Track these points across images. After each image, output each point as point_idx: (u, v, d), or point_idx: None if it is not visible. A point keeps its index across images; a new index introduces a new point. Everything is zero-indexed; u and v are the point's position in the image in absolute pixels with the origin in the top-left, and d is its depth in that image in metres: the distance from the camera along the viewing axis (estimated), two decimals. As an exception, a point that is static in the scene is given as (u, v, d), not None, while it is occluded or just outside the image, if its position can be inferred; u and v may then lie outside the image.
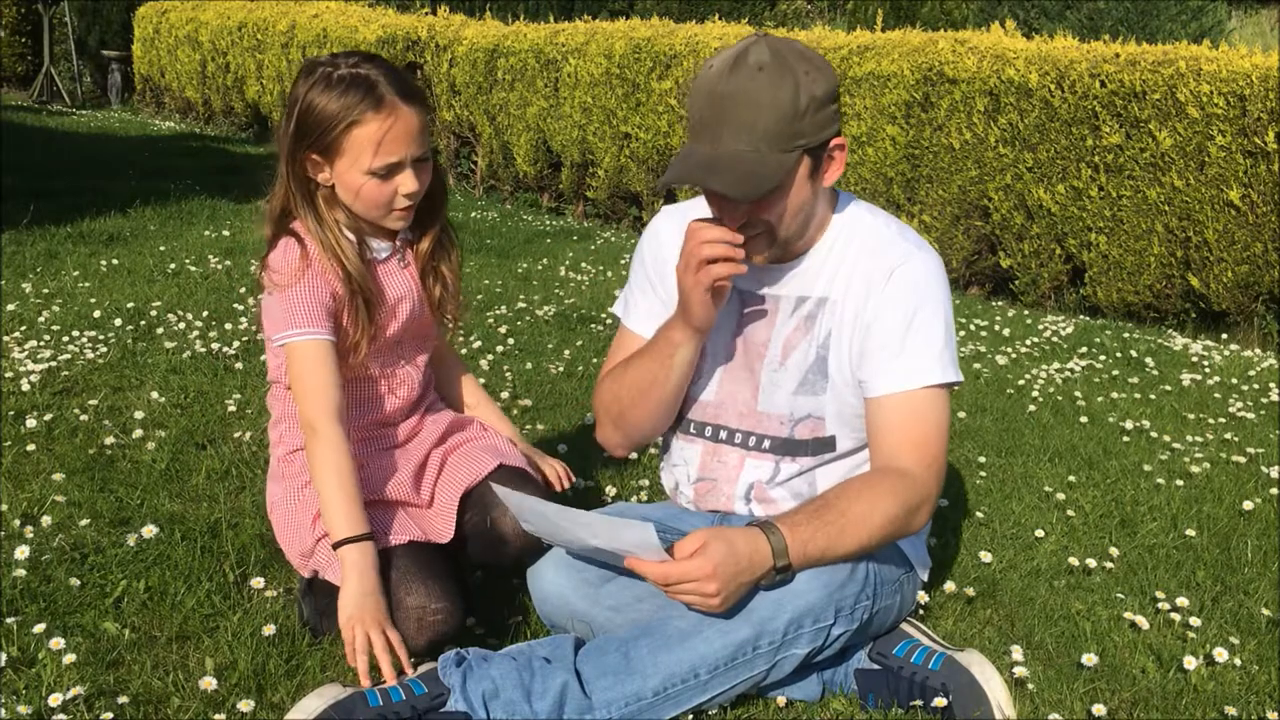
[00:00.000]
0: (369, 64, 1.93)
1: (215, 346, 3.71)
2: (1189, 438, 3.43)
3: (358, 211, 1.99)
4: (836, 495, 1.80)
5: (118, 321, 3.95)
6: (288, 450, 2.11)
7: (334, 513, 1.89)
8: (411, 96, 1.92)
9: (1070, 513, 2.77)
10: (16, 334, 3.76)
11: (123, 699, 1.78)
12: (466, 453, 2.11)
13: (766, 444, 1.99)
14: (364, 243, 2.03)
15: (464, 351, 3.86)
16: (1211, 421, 3.62)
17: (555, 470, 2.24)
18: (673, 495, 2.14)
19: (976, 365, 4.18)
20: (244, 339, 3.85)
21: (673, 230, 2.07)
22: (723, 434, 2.02)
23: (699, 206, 2.03)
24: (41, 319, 3.95)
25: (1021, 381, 3.97)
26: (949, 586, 2.31)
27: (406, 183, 1.94)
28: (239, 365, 3.56)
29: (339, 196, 1.98)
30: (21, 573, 2.13)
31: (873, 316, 1.88)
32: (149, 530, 2.32)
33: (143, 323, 3.98)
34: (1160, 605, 2.28)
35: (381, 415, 2.11)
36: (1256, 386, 4.07)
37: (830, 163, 1.83)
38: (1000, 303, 5.64)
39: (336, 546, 1.87)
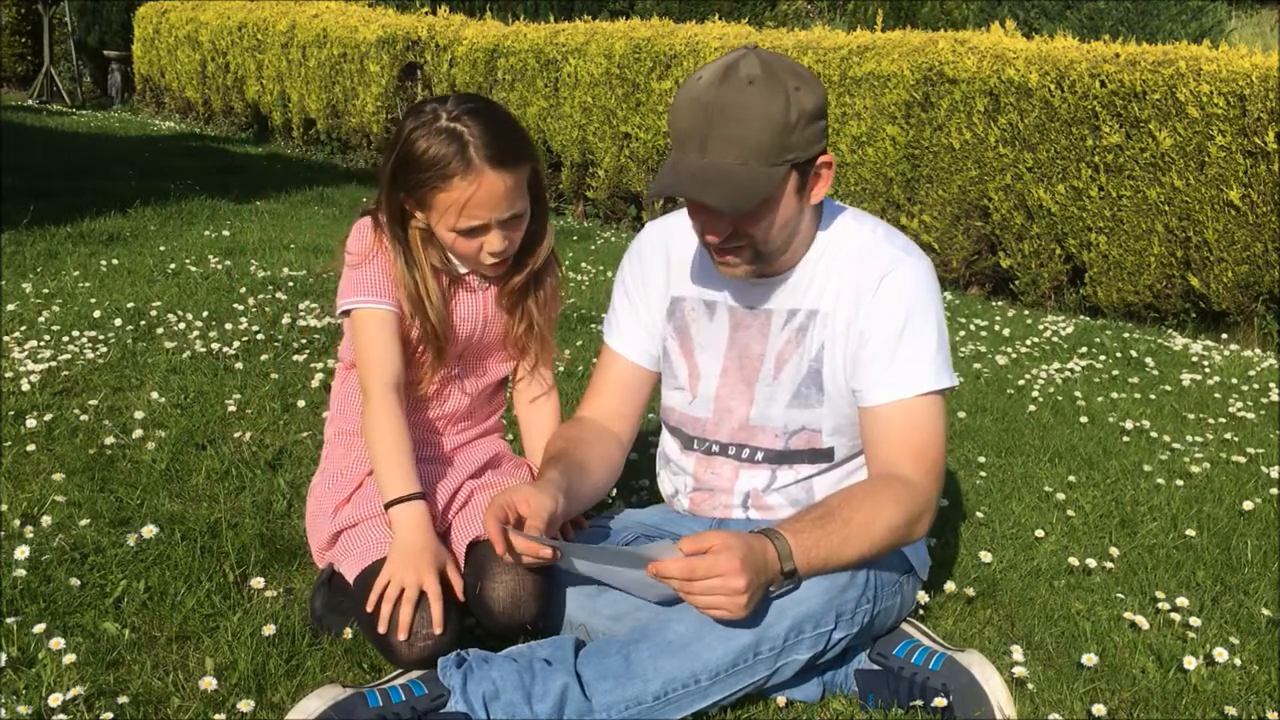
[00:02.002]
0: (471, 117, 1.89)
1: (215, 346, 3.71)
2: (1189, 438, 3.43)
3: (452, 255, 2.03)
4: (839, 503, 1.79)
5: (118, 321, 3.95)
6: (334, 432, 2.15)
7: (383, 474, 1.92)
8: (502, 161, 1.88)
9: (1070, 513, 2.77)
10: (16, 334, 3.76)
11: (123, 699, 1.78)
12: (489, 499, 2.04)
13: (760, 455, 1.99)
14: (450, 264, 2.05)
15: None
16: (1211, 421, 3.62)
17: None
18: (670, 501, 2.14)
19: (976, 365, 4.18)
20: (244, 339, 3.85)
21: (654, 248, 2.08)
22: (715, 448, 2.02)
23: (682, 219, 2.03)
24: (41, 319, 3.95)
25: (1021, 381, 3.97)
26: (949, 586, 2.31)
27: (492, 243, 1.95)
28: (239, 365, 3.56)
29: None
30: (21, 573, 2.13)
31: (864, 325, 1.88)
32: (149, 530, 2.32)
33: (143, 323, 3.98)
34: (1160, 605, 2.28)
35: (412, 419, 2.09)
36: (1256, 386, 4.07)
37: (817, 180, 1.82)
38: (1000, 303, 5.64)
39: (388, 507, 1.89)
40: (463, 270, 2.07)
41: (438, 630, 1.79)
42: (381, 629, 1.79)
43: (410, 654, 1.80)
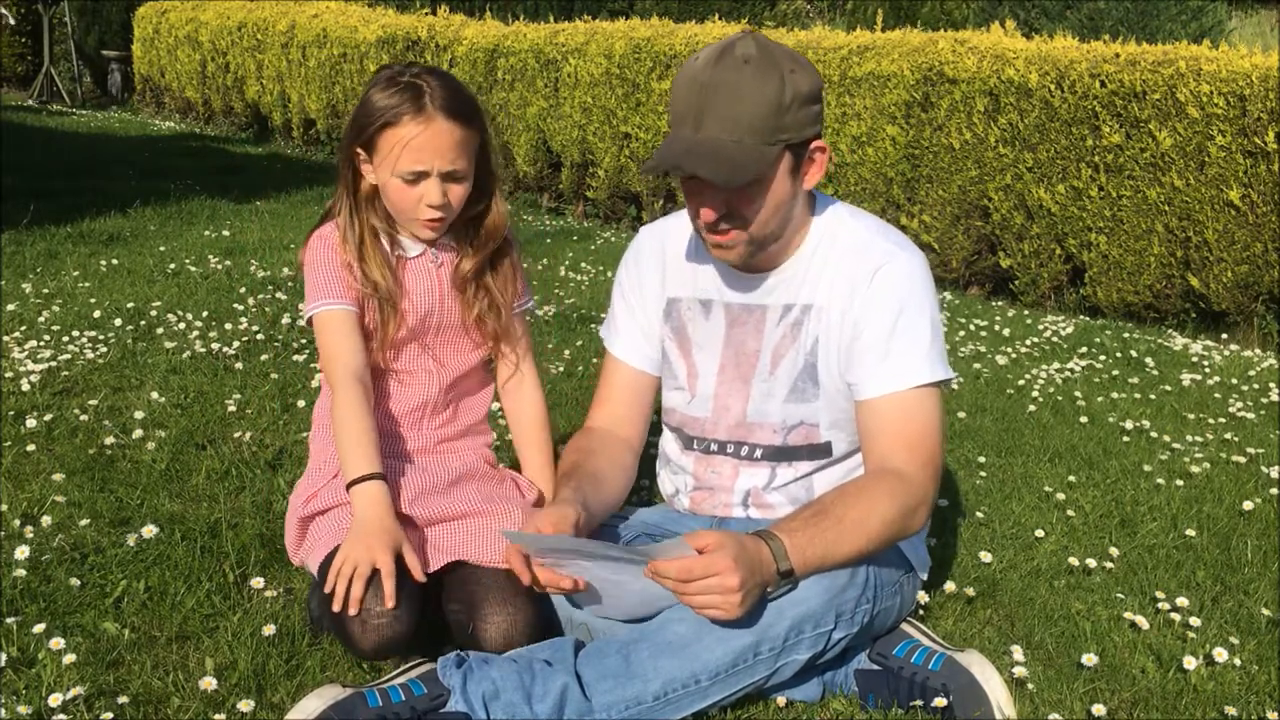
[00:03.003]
0: (431, 76, 1.96)
1: (215, 346, 3.71)
2: (1189, 438, 3.43)
3: (391, 211, 2.05)
4: (832, 500, 1.80)
5: (118, 321, 3.95)
6: (316, 429, 2.16)
7: (344, 455, 1.93)
8: (456, 114, 1.95)
9: (1070, 513, 2.77)
10: (16, 334, 3.76)
11: (123, 699, 1.78)
12: (487, 526, 2.00)
13: (759, 453, 1.99)
14: (395, 240, 2.08)
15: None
16: (1211, 421, 3.62)
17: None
18: (670, 501, 2.14)
19: (976, 365, 4.18)
20: (244, 339, 3.85)
21: (650, 251, 2.09)
22: (714, 446, 2.02)
23: (677, 221, 2.04)
24: (41, 319, 3.95)
25: (1021, 381, 3.97)
26: (949, 586, 2.31)
27: (430, 193, 1.97)
28: (239, 365, 3.56)
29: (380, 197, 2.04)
30: (21, 573, 2.13)
31: (858, 318, 1.89)
32: (149, 530, 2.32)
33: (143, 323, 3.98)
34: (1160, 605, 2.28)
35: (388, 409, 2.11)
36: (1256, 386, 4.07)
37: (811, 164, 1.84)
38: (1000, 303, 5.64)
39: (349, 488, 1.90)
40: (412, 250, 2.09)
41: (389, 604, 1.76)
42: (335, 606, 1.77)
43: (365, 637, 1.77)
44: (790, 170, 1.80)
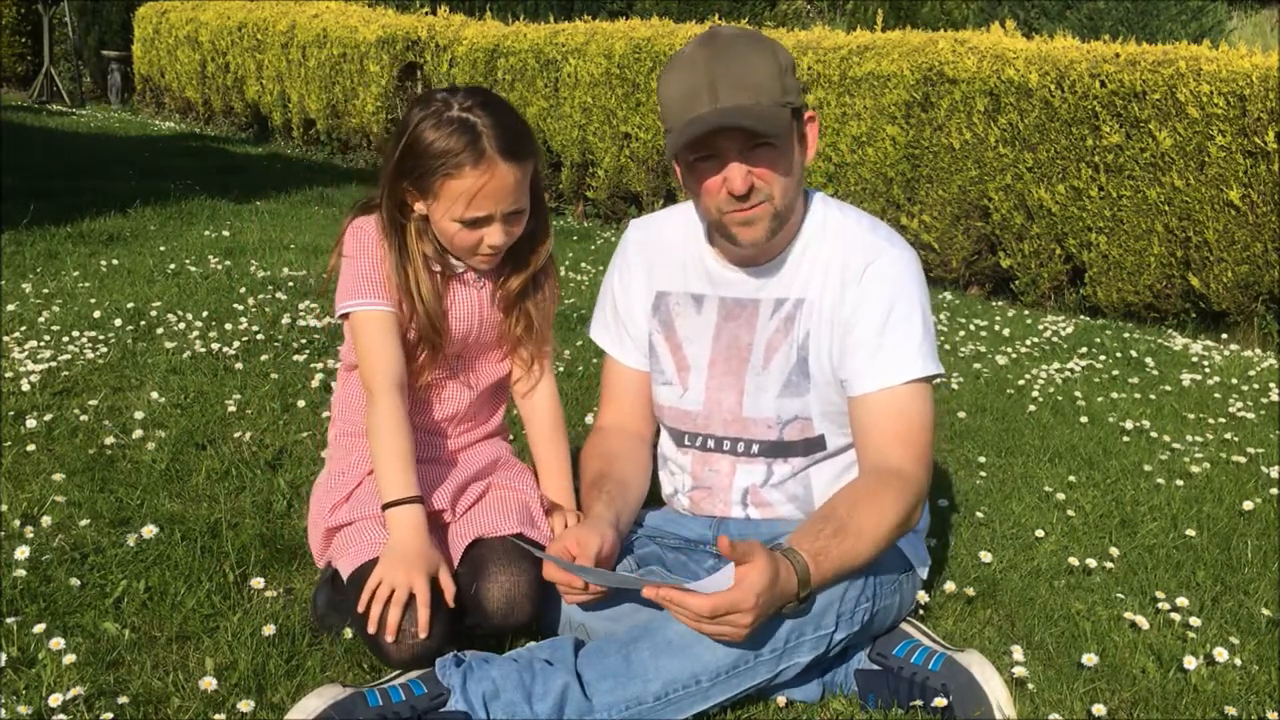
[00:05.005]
0: (483, 110, 1.89)
1: (215, 346, 3.71)
2: (1189, 438, 3.43)
3: (448, 247, 2.02)
4: (847, 513, 1.79)
5: (118, 321, 3.95)
6: (335, 435, 2.15)
7: (383, 474, 1.91)
8: (514, 153, 1.90)
9: (1070, 513, 2.77)
10: (16, 334, 3.76)
11: (123, 699, 1.78)
12: (499, 501, 2.05)
13: (755, 449, 1.99)
14: (445, 260, 2.05)
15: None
16: (1211, 421, 3.62)
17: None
18: (669, 501, 2.14)
19: (976, 365, 4.18)
20: (244, 339, 3.85)
21: (638, 247, 2.10)
22: (710, 442, 2.02)
23: (665, 217, 2.05)
24: (41, 319, 3.95)
25: (1021, 381, 3.97)
26: (949, 586, 2.31)
27: (493, 235, 1.95)
28: (239, 365, 3.56)
29: (432, 228, 2.00)
30: (21, 573, 2.13)
31: (849, 313, 1.90)
32: (149, 530, 2.32)
33: (143, 323, 3.98)
34: (1160, 605, 2.28)
35: (417, 421, 2.09)
36: (1256, 386, 4.07)
37: (804, 138, 1.88)
38: (1000, 303, 5.64)
39: (385, 509, 1.89)
40: (458, 267, 2.06)
41: (422, 635, 1.78)
42: (370, 629, 1.79)
43: (399, 654, 1.80)
44: (799, 138, 1.85)
